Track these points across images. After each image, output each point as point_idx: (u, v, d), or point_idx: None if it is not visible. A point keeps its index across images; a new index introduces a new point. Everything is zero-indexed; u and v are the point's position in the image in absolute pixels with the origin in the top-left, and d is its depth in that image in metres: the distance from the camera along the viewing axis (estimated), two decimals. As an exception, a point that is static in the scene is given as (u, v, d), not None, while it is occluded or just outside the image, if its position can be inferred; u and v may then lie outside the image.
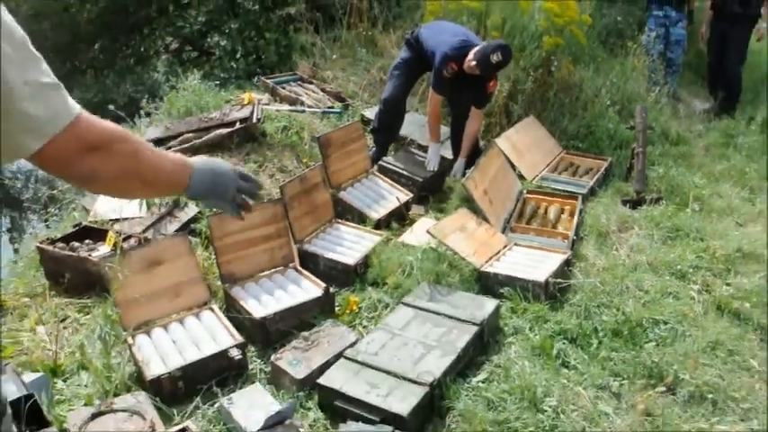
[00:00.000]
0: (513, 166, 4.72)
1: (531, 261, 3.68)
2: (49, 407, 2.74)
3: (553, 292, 3.40)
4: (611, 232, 4.14)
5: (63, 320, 3.50)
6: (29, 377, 2.83)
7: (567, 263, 3.66)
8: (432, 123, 4.82)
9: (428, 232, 3.63)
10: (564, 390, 2.79)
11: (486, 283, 3.50)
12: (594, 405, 2.71)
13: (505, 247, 3.84)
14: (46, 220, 5.28)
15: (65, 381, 3.02)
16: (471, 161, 4.40)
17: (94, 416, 2.62)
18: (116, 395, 2.80)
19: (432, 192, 4.73)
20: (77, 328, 3.44)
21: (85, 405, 2.78)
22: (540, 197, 4.48)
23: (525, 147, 4.99)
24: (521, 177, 4.75)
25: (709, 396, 2.73)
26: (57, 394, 2.92)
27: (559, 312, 3.31)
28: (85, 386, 2.97)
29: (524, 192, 4.54)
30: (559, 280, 3.43)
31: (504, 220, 4.13)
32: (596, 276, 3.57)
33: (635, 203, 4.52)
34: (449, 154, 4.97)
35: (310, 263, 3.69)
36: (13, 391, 2.55)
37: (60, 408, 2.83)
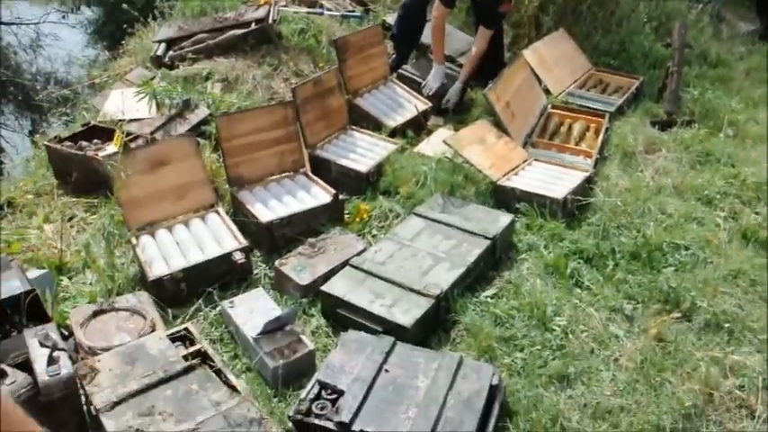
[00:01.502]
0: (539, 80, 4.50)
1: (551, 177, 3.53)
2: (53, 303, 2.71)
3: (571, 210, 3.27)
4: (637, 153, 3.94)
5: (70, 219, 3.45)
6: (33, 273, 2.80)
7: (588, 181, 3.51)
8: (435, 40, 4.50)
9: (444, 142, 3.48)
10: (575, 310, 2.70)
11: (503, 198, 3.37)
12: (605, 327, 2.62)
13: (525, 161, 3.69)
14: (66, 120, 5.21)
15: (70, 278, 3.00)
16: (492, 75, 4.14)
17: (96, 313, 2.59)
18: (119, 294, 2.77)
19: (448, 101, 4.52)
20: (84, 228, 3.40)
21: (89, 303, 2.75)
22: (564, 113, 4.28)
23: (553, 60, 4.75)
24: (546, 92, 4.53)
25: (726, 325, 2.62)
26: (62, 291, 2.90)
27: (576, 231, 3.19)
28: (90, 284, 2.94)
29: (549, 107, 4.34)
30: (579, 198, 3.29)
31: (525, 134, 3.95)
32: (618, 197, 3.41)
33: (665, 125, 4.30)
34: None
35: (322, 169, 3.58)
36: (16, 287, 2.52)
37: (65, 305, 2.81)
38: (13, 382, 2.03)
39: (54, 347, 2.12)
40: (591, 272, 2.93)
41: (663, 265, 2.95)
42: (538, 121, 4.16)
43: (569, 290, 2.82)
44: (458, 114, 4.39)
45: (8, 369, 2.08)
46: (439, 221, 3.04)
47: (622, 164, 3.86)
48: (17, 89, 9.85)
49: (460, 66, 4.61)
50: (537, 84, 4.43)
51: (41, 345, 2.14)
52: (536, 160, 3.73)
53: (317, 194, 3.32)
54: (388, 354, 2.26)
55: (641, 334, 2.57)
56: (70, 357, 2.16)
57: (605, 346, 2.53)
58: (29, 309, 2.46)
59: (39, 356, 2.11)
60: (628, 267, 2.95)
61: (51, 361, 2.09)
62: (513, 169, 3.57)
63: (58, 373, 2.05)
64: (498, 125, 3.80)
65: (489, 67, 4.42)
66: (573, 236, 3.12)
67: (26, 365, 2.12)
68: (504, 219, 3.07)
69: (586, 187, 3.47)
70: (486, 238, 2.91)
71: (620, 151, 3.94)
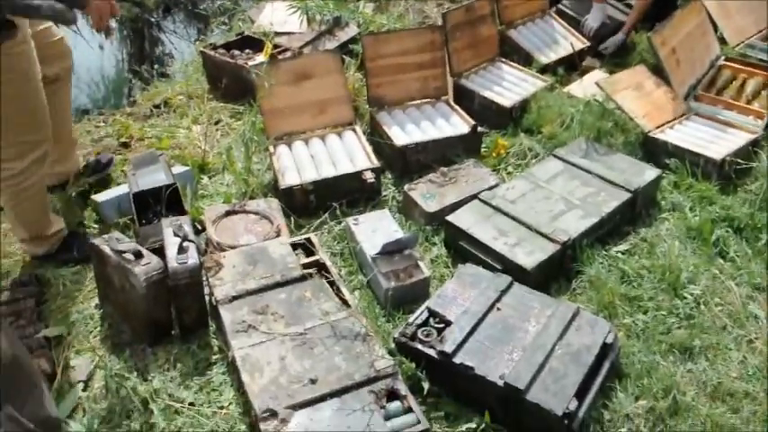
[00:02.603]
0: (715, 27, 4.07)
1: (711, 135, 3.22)
2: (192, 199, 2.87)
3: (728, 173, 2.98)
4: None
5: (216, 123, 3.62)
6: (177, 169, 2.97)
7: (754, 144, 3.17)
8: None
9: (597, 84, 3.26)
10: (713, 281, 2.49)
11: (653, 151, 3.13)
12: (744, 305, 2.40)
13: (683, 115, 3.38)
14: (224, 30, 5.40)
15: (210, 178, 3.16)
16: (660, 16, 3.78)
17: (228, 213, 2.72)
18: (251, 198, 2.88)
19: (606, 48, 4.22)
20: (228, 132, 3.54)
21: (223, 203, 2.88)
22: (739, 67, 3.85)
23: (735, 6, 4.25)
24: (722, 41, 4.09)
25: None
26: (201, 189, 3.05)
27: (730, 197, 2.91)
28: (226, 186, 3.08)
29: (722, 58, 3.92)
30: (739, 161, 2.99)
31: (689, 85, 3.61)
32: (786, 165, 3.07)
33: None
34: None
35: (464, 99, 3.48)
36: (161, 179, 2.68)
37: (202, 201, 2.96)
38: (147, 264, 2.17)
39: (185, 238, 2.25)
40: (739, 243, 2.68)
41: (826, 246, 2.64)
42: (706, 72, 3.79)
43: (710, 259, 2.59)
44: (616, 57, 4.09)
45: (145, 251, 2.23)
46: (579, 166, 2.88)
47: (798, 130, 3.45)
48: (187, -1, 10.31)
49: (629, 6, 4.27)
50: (712, 31, 4.00)
51: (174, 234, 2.27)
52: (696, 115, 3.41)
53: (456, 124, 3.24)
54: (503, 293, 2.20)
55: (785, 318, 2.33)
56: (198, 249, 2.28)
57: (740, 324, 2.32)
58: (169, 201, 2.62)
59: (171, 244, 2.24)
60: (784, 244, 2.67)
61: (181, 250, 2.22)
62: (669, 122, 3.29)
63: (186, 262, 2.17)
64: (659, 72, 3.50)
65: (658, 7, 4.05)
66: (725, 201, 2.86)
67: (161, 251, 2.26)
68: (651, 173, 2.85)
69: (750, 150, 3.14)
70: (627, 190, 2.73)
71: (799, 115, 3.51)
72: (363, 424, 1.80)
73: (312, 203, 2.83)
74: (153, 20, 8.55)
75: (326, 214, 2.80)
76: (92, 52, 5.91)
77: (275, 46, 3.77)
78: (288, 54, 3.73)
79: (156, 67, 6.94)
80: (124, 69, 6.21)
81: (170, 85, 4.19)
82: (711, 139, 3.18)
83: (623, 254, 2.60)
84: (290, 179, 2.85)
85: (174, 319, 2.28)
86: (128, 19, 6.49)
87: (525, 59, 3.86)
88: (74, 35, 6.45)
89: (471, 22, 3.59)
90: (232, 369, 2.10)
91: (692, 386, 2.09)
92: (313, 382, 1.91)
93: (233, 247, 2.50)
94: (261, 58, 3.64)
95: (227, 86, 3.68)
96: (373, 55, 3.25)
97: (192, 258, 2.19)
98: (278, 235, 2.59)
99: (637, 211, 2.80)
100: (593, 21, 4.15)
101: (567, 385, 1.89)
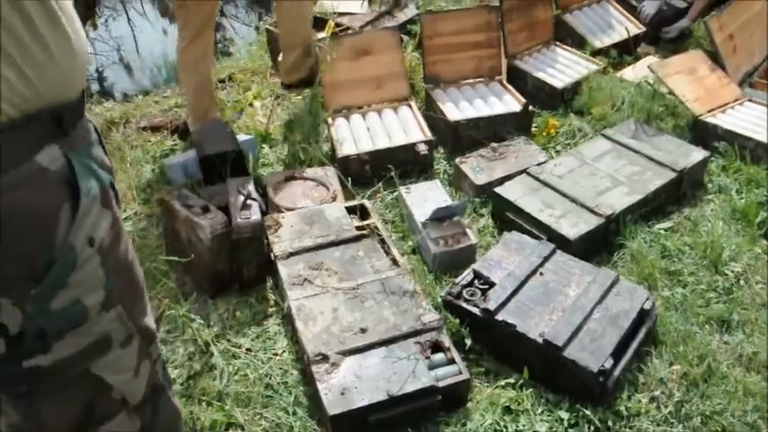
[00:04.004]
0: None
1: (763, 121, 3.23)
2: (254, 165, 3.04)
3: (778, 158, 3.01)
4: None
5: (278, 97, 3.78)
6: (241, 138, 3.14)
7: (808, 130, 3.18)
8: None
9: (649, 67, 3.30)
10: (755, 260, 2.54)
11: (702, 135, 3.17)
12: (787, 284, 2.44)
13: (737, 100, 3.40)
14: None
15: (271, 147, 3.32)
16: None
17: (287, 179, 2.88)
18: (309, 166, 3.03)
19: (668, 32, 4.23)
20: (288, 106, 3.70)
21: (284, 170, 3.04)
22: (800, 56, 3.84)
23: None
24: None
25: None
26: (262, 158, 3.22)
27: (779, 181, 2.94)
28: (286, 155, 3.24)
29: (783, 47, 3.90)
30: (791, 146, 3.01)
31: (745, 72, 3.62)
32: (840, 153, 3.07)
33: None
34: None
35: (517, 80, 3.57)
36: (227, 145, 2.85)
37: (263, 169, 3.13)
38: (213, 218, 2.35)
39: (248, 196, 2.42)
40: (785, 225, 2.72)
41: None
42: (764, 60, 3.78)
43: (753, 239, 2.63)
44: (672, 44, 4.10)
45: (212, 207, 2.40)
46: (626, 146, 2.94)
47: None
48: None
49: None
50: (773, 19, 3.98)
51: (239, 192, 2.44)
52: (750, 101, 3.42)
53: (509, 103, 3.34)
54: (546, 259, 2.30)
55: (828, 299, 2.37)
56: (260, 208, 2.45)
57: (781, 302, 2.37)
58: (234, 167, 2.79)
59: (235, 201, 2.41)
60: (832, 228, 2.69)
61: (245, 207, 2.39)
62: (721, 107, 3.31)
63: (249, 218, 2.33)
64: (715, 58, 3.52)
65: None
66: (773, 185, 2.89)
67: (225, 209, 2.43)
68: (698, 154, 2.90)
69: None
70: (672, 170, 2.78)
71: None
72: (408, 371, 1.94)
73: (367, 173, 2.96)
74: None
75: (380, 183, 2.94)
76: (155, 36, 6.19)
77: (337, 25, 3.91)
78: (349, 32, 3.87)
79: (218, 46, 7.17)
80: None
81: (234, 62, 4.38)
82: (762, 124, 3.19)
83: (666, 230, 2.67)
84: (347, 149, 3.00)
85: (234, 273, 2.44)
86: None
87: (579, 43, 3.90)
88: (140, 18, 6.76)
89: (527, 4, 3.66)
90: (287, 321, 2.26)
91: (726, 356, 2.15)
92: (363, 331, 2.06)
93: (291, 210, 2.65)
94: (323, 35, 3.79)
95: (291, 62, 3.83)
96: (431, 33, 3.37)
97: (255, 215, 2.35)
98: (334, 200, 2.74)
99: (682, 191, 2.85)
100: (649, 7, 4.16)
101: (603, 345, 1.98)
